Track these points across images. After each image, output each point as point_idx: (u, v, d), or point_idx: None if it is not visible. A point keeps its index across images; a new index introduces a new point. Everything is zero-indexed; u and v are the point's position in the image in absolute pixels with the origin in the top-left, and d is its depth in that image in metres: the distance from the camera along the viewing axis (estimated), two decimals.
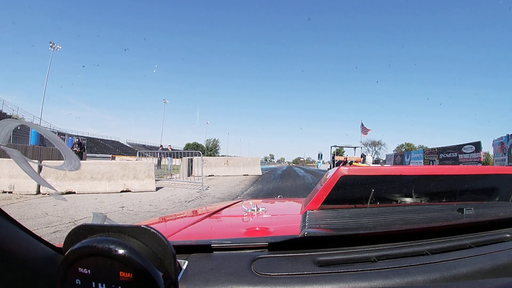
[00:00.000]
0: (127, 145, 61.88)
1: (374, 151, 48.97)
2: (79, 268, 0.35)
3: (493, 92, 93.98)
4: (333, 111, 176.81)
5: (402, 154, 32.39)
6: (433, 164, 20.82)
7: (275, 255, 0.62)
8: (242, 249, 0.66)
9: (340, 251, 0.64)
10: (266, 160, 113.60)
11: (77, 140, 14.05)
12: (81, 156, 12.95)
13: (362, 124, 28.65)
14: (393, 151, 46.68)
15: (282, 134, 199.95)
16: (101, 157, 28.15)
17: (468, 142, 19.24)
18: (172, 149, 18.32)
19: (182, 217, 1.38)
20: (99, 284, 0.34)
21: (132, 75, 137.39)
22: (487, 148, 20.81)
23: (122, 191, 6.89)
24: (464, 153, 19.19)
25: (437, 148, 23.26)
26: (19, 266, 0.38)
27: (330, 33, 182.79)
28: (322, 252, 0.63)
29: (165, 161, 15.97)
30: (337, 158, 20.67)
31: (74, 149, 12.47)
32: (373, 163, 17.75)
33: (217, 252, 0.64)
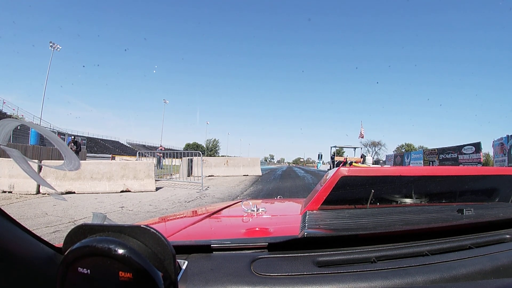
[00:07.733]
0: (127, 145, 61.89)
1: (374, 152, 48.86)
2: (79, 268, 0.35)
3: (493, 93, 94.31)
4: (333, 112, 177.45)
5: (402, 155, 32.38)
6: (433, 165, 20.82)
7: (275, 255, 0.62)
8: (242, 249, 0.66)
9: (340, 252, 0.64)
10: (266, 161, 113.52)
11: (72, 137, 13.75)
12: (77, 155, 12.84)
13: (362, 126, 28.57)
14: (393, 151, 46.66)
15: (282, 135, 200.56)
16: (101, 157, 28.19)
17: (468, 142, 19.23)
18: (165, 149, 18.30)
19: (182, 217, 1.38)
20: (99, 284, 0.34)
21: (132, 75, 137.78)
22: (487, 149, 20.78)
23: (122, 191, 6.88)
24: (464, 153, 19.18)
25: (437, 148, 23.25)
26: (19, 266, 0.38)
27: (330, 33, 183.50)
28: (322, 253, 0.63)
29: (163, 161, 16.01)
30: (337, 158, 20.59)
31: (69, 147, 12.36)
32: (373, 164, 17.74)
33: (217, 252, 0.64)
